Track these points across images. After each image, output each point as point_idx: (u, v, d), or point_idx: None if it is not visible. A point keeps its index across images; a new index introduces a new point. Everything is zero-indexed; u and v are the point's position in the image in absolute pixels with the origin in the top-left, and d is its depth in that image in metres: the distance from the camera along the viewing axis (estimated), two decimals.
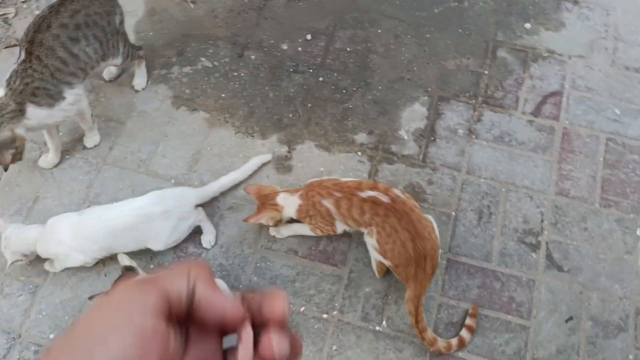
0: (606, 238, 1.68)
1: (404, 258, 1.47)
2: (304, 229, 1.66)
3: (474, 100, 1.91)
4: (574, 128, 1.84)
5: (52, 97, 1.59)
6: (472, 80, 1.94)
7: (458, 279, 1.64)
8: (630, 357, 1.53)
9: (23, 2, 2.12)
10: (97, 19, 1.65)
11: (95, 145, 1.83)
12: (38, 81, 1.54)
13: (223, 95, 1.92)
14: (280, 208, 1.59)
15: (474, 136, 1.85)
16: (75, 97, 1.65)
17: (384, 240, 1.50)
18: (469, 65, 1.96)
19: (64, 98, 1.61)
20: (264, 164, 1.79)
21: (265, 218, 1.60)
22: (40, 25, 1.56)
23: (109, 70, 1.93)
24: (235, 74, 1.96)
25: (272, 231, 1.70)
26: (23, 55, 1.55)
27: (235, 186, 1.75)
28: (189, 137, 1.85)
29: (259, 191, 1.63)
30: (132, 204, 1.60)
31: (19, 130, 1.55)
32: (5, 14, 2.08)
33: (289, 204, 1.58)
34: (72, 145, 1.83)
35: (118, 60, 1.78)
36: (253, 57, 1.99)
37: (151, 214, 1.57)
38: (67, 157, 1.81)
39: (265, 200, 1.60)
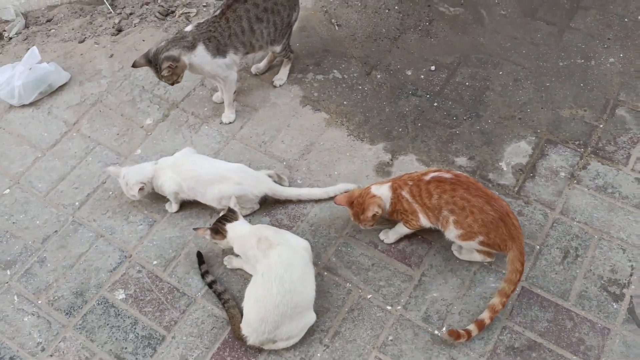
0: None
1: (489, 222, 1.60)
2: (403, 228, 1.80)
3: (582, 149, 1.97)
4: None
5: (218, 50, 2.01)
6: (585, 131, 2.01)
7: (529, 308, 1.67)
8: None
9: (204, 6, 2.65)
10: (281, 10, 2.08)
11: (230, 122, 2.20)
12: (217, 33, 1.99)
13: (345, 102, 2.21)
14: (379, 198, 1.74)
15: (575, 181, 1.90)
16: (232, 62, 2.07)
17: (462, 218, 1.62)
18: (584, 117, 2.04)
19: (224, 56, 2.03)
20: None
21: (372, 211, 1.70)
22: None
23: (257, 66, 2.33)
24: (360, 87, 2.24)
25: (382, 235, 1.85)
26: (218, 12, 2.02)
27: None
28: (307, 130, 2.14)
29: (350, 196, 1.77)
30: (221, 164, 1.91)
31: (184, 58, 1.96)
32: (189, 12, 2.62)
33: (382, 192, 1.74)
34: (213, 119, 2.21)
35: (278, 48, 2.17)
36: (379, 76, 2.27)
37: (227, 178, 1.85)
38: (206, 126, 2.20)
39: (362, 200, 1.76)
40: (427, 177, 1.68)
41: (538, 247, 1.76)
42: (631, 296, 1.65)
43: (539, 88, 2.15)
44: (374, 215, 1.70)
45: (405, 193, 1.69)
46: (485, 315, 1.60)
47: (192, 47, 1.96)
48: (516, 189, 1.90)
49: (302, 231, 1.87)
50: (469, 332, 1.60)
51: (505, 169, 1.96)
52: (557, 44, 2.28)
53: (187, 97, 2.30)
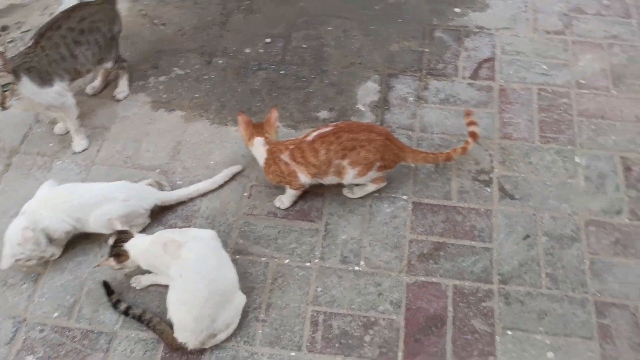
0: (550, 168, 1.98)
1: (380, 146, 1.80)
2: (290, 190, 1.90)
3: (419, 73, 2.26)
4: (508, 84, 2.19)
5: (42, 79, 1.91)
6: (415, 58, 2.31)
7: (424, 218, 1.90)
8: (586, 261, 1.78)
9: (9, 42, 2.48)
10: (100, 26, 2.04)
11: (84, 149, 2.11)
12: (35, 63, 1.89)
13: (196, 95, 2.25)
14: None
15: (422, 102, 2.18)
16: (62, 90, 1.98)
17: (356, 156, 1.79)
18: (411, 47, 2.34)
19: (51, 85, 1.94)
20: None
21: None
22: (52, 25, 1.95)
23: (92, 85, 2.25)
24: (206, 77, 2.30)
25: (277, 202, 1.93)
26: (31, 43, 1.92)
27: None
28: (168, 132, 2.14)
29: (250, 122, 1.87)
30: (100, 185, 1.86)
31: (17, 87, 1.84)
32: None
33: (259, 151, 1.86)
34: (63, 152, 2.10)
35: (109, 64, 2.13)
36: (220, 61, 2.35)
37: (112, 198, 1.80)
38: (59, 162, 2.08)
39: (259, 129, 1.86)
40: (310, 138, 1.83)
41: (413, 164, 2.01)
42: (497, 178, 1.97)
43: (367, 33, 2.41)
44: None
45: (284, 156, 1.82)
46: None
47: (16, 77, 1.85)
48: (378, 123, 2.13)
49: (200, 226, 1.89)
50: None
51: (363, 109, 2.18)
52: None
53: (25, 139, 2.15)
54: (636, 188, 1.91)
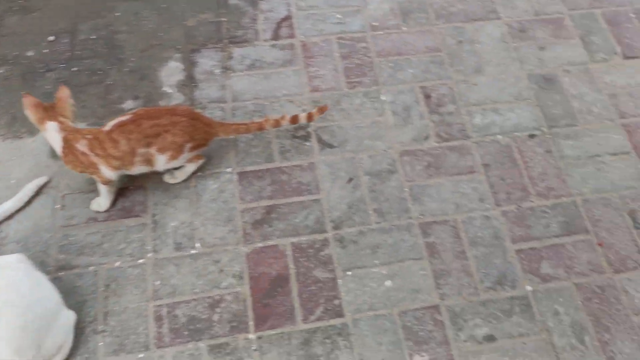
0: (359, 110, 2.07)
1: (186, 126, 1.74)
2: (102, 187, 1.78)
3: (221, 44, 2.23)
4: (309, 39, 2.24)
5: None
6: (214, 29, 2.27)
7: (250, 185, 1.90)
8: (406, 189, 1.91)
9: None
10: None
11: None
12: None
13: None
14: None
15: (230, 71, 2.16)
16: None
17: (162, 142, 1.72)
18: (207, 19, 2.29)
19: None
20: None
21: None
22: None
23: None
24: None
25: (94, 205, 1.81)
26: None
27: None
28: None
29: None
30: None
31: None
32: None
33: (54, 138, 1.71)
34: None
35: None
36: (1, 71, 2.12)
37: None
38: None
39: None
40: (107, 128, 1.71)
41: (232, 136, 1.99)
42: (314, 130, 2.02)
43: (159, 12, 2.31)
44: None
45: (81, 146, 1.69)
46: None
47: None
48: (188, 102, 2.07)
49: (12, 253, 1.70)
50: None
51: (170, 91, 2.10)
52: None
53: None
54: (437, 112, 2.08)
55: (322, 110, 1.93)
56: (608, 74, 2.18)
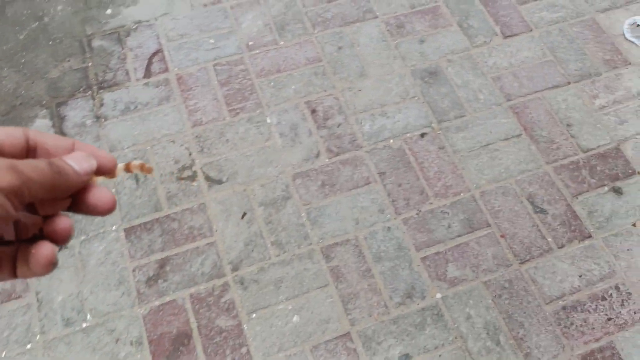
0: (245, 138, 1.99)
1: None
2: None
3: (90, 92, 2.10)
4: (183, 70, 2.14)
5: None
6: (81, 76, 2.13)
7: (139, 240, 1.80)
8: (303, 214, 1.85)
9: None
10: None
11: None
12: None
13: None
14: None
15: (103, 119, 2.04)
16: None
17: None
18: (72, 66, 2.15)
19: None
20: None
21: None
22: None
23: None
24: None
25: None
26: None
27: None
28: None
29: None
30: None
31: None
32: None
33: None
34: None
35: None
36: None
37: None
38: None
39: None
40: None
41: (114, 190, 1.88)
42: (200, 168, 1.93)
43: (18, 68, 2.15)
44: None
45: None
46: None
47: None
48: None
49: None
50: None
51: None
52: (5, 21, 2.28)
53: None
54: (325, 126, 2.02)
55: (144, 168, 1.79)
56: (490, 57, 2.18)
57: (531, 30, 2.23)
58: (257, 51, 2.20)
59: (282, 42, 2.22)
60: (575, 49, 2.19)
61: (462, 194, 1.88)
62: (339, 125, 2.02)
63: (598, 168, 1.91)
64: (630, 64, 2.16)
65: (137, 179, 1.90)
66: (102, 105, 2.07)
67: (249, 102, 2.08)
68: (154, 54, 2.19)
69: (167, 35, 2.23)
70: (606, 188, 1.88)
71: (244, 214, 1.85)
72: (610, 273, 1.73)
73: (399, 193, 1.88)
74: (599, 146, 1.96)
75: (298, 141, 1.99)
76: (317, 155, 1.96)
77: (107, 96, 2.09)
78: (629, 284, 1.71)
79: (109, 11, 2.28)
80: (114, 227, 1.82)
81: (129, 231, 1.81)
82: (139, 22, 2.26)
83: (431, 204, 1.86)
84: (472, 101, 2.07)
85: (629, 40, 2.20)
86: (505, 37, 2.23)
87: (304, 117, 2.04)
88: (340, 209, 1.85)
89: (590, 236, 1.79)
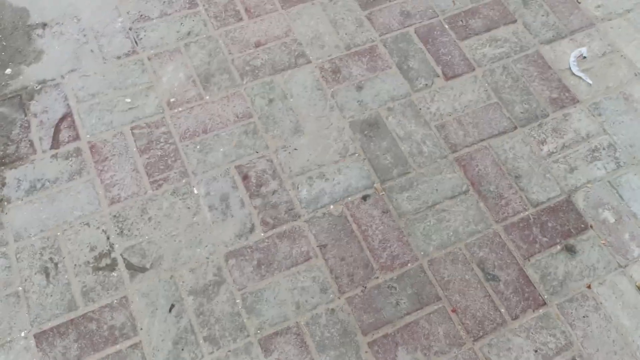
0: (170, 214, 1.82)
1: None
2: None
3: None
4: (97, 137, 1.93)
5: None
6: None
7: (53, 347, 1.60)
8: (238, 301, 1.69)
9: None
10: None
11: None
12: None
13: None
14: None
15: (5, 203, 1.82)
16: None
17: None
18: None
19: None
20: None
21: None
22: None
23: None
24: None
25: None
26: None
27: None
28: None
29: None
30: None
31: None
32: None
33: None
34: None
35: None
36: None
37: None
38: None
39: None
40: None
41: (20, 288, 1.67)
42: (120, 254, 1.74)
43: None
44: None
45: None
46: None
47: None
48: None
49: None
50: None
51: None
52: None
53: None
54: (259, 194, 1.86)
55: None
56: (433, 102, 2.06)
57: (474, 69, 2.12)
58: (180, 109, 2.00)
59: (207, 97, 2.03)
60: (520, 89, 2.09)
61: (409, 264, 1.76)
62: (274, 192, 1.86)
63: (549, 224, 1.83)
64: (578, 101, 2.07)
65: (46, 273, 1.70)
66: (3, 185, 1.84)
67: (173, 171, 1.89)
68: (62, 119, 1.97)
69: (76, 96, 2.01)
70: (559, 247, 1.80)
71: (172, 305, 1.68)
72: (567, 345, 1.65)
73: (342, 268, 1.75)
74: (549, 199, 1.88)
75: (229, 214, 1.82)
76: (252, 230, 1.80)
77: (10, 174, 1.86)
78: (586, 356, 1.64)
79: (8, 71, 2.03)
80: (22, 334, 1.62)
81: (39, 337, 1.61)
82: (44, 81, 2.02)
83: (377, 278, 1.73)
84: (415, 155, 1.95)
85: (576, 76, 2.12)
86: (448, 78, 2.10)
87: (235, 185, 1.87)
88: (279, 292, 1.71)
89: (544, 304, 1.71)
